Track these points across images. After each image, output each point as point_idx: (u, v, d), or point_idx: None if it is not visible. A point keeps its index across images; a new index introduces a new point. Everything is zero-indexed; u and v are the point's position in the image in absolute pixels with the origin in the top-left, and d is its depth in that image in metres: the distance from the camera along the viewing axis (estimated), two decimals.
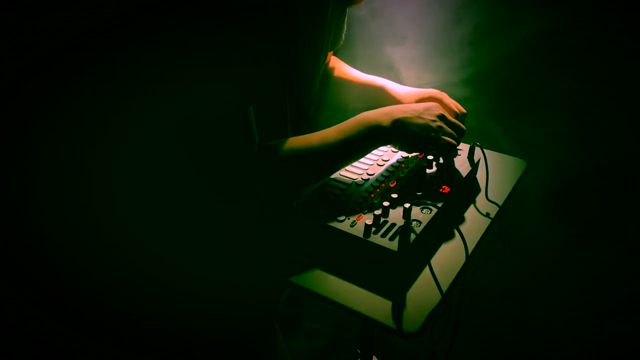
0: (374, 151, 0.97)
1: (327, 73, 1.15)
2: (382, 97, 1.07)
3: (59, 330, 0.87)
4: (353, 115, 0.88)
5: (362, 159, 0.95)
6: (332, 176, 0.91)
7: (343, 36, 1.12)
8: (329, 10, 0.93)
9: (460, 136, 0.90)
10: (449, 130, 0.88)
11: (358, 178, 0.90)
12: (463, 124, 0.95)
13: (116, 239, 0.85)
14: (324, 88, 1.13)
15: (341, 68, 1.16)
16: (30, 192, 0.82)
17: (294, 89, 0.90)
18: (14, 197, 0.81)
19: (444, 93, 0.98)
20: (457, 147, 0.95)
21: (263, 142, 0.83)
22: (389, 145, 0.90)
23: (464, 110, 0.97)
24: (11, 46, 0.74)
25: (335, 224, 0.80)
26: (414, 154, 0.96)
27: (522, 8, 1.12)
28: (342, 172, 0.92)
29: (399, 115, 0.85)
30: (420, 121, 0.86)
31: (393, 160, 0.94)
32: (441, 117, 0.88)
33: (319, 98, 1.08)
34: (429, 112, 0.87)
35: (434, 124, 0.86)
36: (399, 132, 0.85)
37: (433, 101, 0.97)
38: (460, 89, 1.23)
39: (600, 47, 1.09)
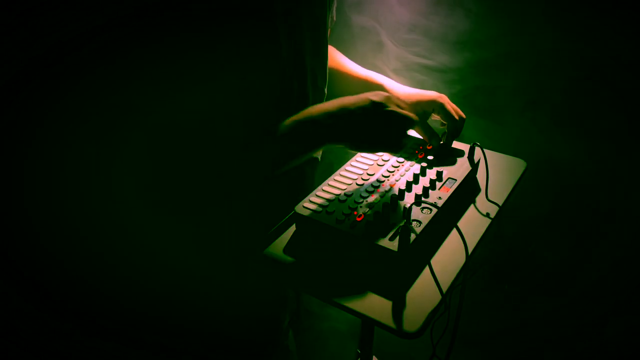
0: None
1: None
2: None
3: (59, 330, 0.87)
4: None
5: (362, 159, 0.95)
6: (333, 176, 0.91)
7: (334, 11, 1.03)
8: None
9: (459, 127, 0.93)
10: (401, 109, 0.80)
11: (358, 178, 0.90)
12: (461, 129, 0.95)
13: (116, 239, 0.85)
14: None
15: (337, 59, 1.10)
16: (31, 193, 0.82)
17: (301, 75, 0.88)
18: (14, 198, 0.81)
19: (445, 96, 0.98)
20: (448, 138, 0.96)
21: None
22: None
23: (463, 116, 0.97)
24: (11, 46, 0.74)
25: (335, 224, 0.80)
26: (411, 151, 0.96)
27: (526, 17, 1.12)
28: (342, 172, 0.92)
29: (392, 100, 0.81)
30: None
31: (393, 160, 0.94)
32: (388, 100, 0.80)
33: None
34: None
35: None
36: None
37: (434, 105, 0.96)
38: (460, 87, 1.23)
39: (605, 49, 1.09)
